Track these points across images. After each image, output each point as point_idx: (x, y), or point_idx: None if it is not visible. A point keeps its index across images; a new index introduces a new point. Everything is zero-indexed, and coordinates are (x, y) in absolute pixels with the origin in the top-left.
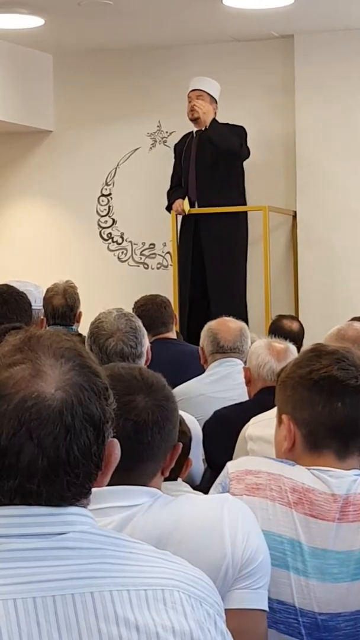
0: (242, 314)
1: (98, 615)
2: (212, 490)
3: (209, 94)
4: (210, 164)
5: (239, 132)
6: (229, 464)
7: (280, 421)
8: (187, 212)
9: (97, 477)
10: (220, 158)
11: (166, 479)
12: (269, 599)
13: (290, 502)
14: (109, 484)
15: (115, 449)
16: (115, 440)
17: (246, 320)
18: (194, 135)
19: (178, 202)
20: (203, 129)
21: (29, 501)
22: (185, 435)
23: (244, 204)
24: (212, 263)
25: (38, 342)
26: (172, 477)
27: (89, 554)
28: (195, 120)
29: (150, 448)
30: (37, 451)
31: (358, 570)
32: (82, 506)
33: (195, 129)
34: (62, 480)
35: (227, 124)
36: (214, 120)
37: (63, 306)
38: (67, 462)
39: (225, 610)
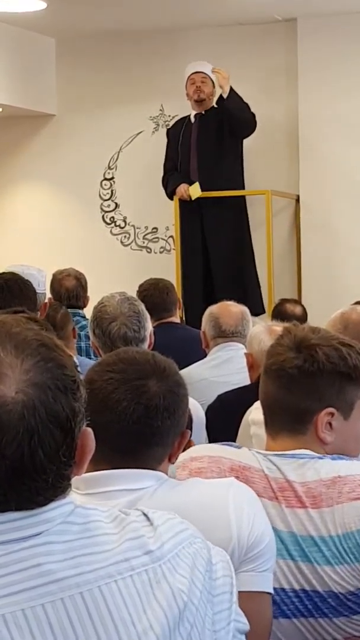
0: (257, 301)
1: (93, 618)
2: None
3: (210, 78)
4: (214, 146)
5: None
6: (180, 456)
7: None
8: (193, 198)
9: (71, 472)
10: (231, 133)
11: None
12: None
13: None
14: (116, 467)
15: (88, 440)
16: (89, 430)
17: (262, 307)
18: (193, 118)
19: (184, 186)
20: (203, 112)
21: None
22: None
23: (244, 187)
24: (216, 249)
25: None
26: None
27: (69, 547)
28: (200, 101)
29: (159, 433)
30: None
31: (298, 552)
32: (62, 498)
33: (194, 112)
34: (29, 487)
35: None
36: (232, 89)
37: (77, 287)
38: (32, 469)
39: None
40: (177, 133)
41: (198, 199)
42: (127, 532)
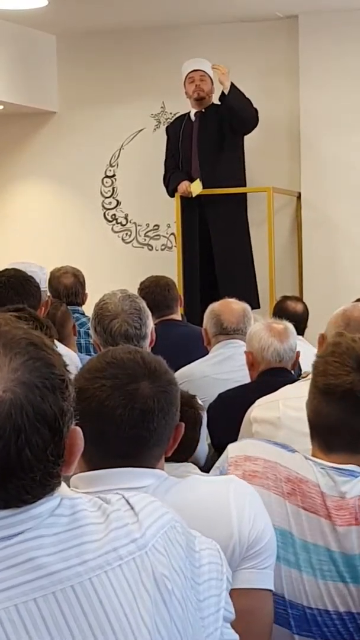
0: (252, 296)
1: (85, 610)
2: (211, 472)
3: (209, 75)
4: (215, 143)
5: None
6: (229, 447)
7: None
8: (194, 195)
9: (60, 471)
10: (232, 129)
11: (174, 460)
12: None
13: (284, 492)
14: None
15: (77, 439)
16: (78, 429)
17: (258, 302)
18: (194, 117)
19: (185, 183)
20: (203, 110)
21: None
22: (197, 412)
23: (245, 184)
24: (219, 245)
25: None
26: (179, 459)
27: (58, 539)
28: (200, 100)
29: (156, 434)
30: None
31: (349, 574)
32: (50, 495)
33: (194, 110)
34: (16, 485)
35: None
36: (233, 84)
37: (76, 284)
38: (19, 467)
39: (232, 589)
40: (177, 131)
41: (199, 196)
42: (112, 521)
